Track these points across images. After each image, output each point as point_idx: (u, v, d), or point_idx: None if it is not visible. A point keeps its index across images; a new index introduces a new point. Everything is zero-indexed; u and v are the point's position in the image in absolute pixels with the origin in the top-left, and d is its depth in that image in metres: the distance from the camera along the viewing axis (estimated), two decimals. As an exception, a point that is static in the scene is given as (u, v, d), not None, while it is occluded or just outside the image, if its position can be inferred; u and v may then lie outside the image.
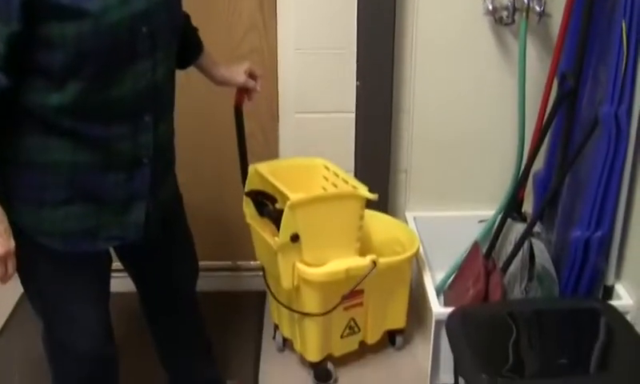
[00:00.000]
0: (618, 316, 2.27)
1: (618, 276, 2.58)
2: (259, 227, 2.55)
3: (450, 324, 2.24)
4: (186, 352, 2.39)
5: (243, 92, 2.35)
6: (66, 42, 1.62)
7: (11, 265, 1.73)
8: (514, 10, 2.70)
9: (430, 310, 2.53)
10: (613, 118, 2.35)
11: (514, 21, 2.73)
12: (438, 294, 2.66)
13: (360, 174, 2.84)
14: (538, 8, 2.68)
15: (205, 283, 2.41)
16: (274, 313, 2.80)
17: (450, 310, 2.32)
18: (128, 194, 1.86)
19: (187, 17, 2.13)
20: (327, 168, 2.69)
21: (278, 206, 2.47)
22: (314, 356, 2.63)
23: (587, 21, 2.48)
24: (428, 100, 2.91)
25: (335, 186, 2.63)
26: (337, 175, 2.64)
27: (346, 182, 2.59)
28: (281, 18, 2.76)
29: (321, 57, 2.79)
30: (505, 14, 2.72)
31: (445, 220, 3.02)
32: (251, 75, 2.30)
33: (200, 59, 2.21)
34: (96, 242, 1.88)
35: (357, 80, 2.80)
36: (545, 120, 2.65)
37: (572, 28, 2.61)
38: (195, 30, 2.18)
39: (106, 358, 2.08)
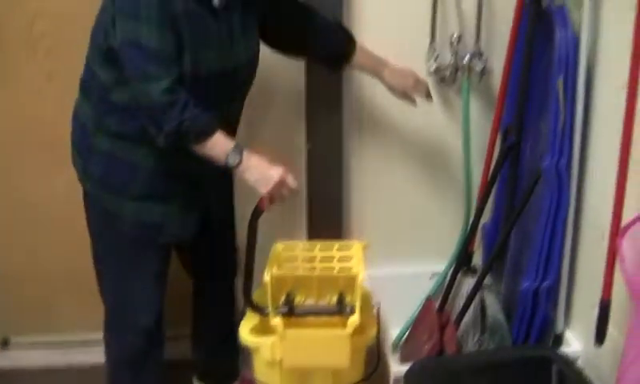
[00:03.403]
0: (568, 363, 2.32)
1: (567, 323, 2.62)
2: (302, 327, 2.36)
3: (408, 380, 2.26)
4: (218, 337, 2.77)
5: (268, 197, 2.22)
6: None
7: (290, 179, 2.18)
8: (456, 69, 2.78)
9: (388, 367, 2.55)
10: (554, 170, 2.42)
11: (455, 79, 2.81)
12: (394, 350, 2.69)
13: (312, 234, 2.90)
14: (478, 66, 2.78)
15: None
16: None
17: (407, 366, 2.35)
18: (190, 201, 2.34)
19: (323, 18, 2.53)
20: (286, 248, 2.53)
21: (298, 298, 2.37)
22: None
23: (526, 77, 2.56)
24: (377, 160, 2.96)
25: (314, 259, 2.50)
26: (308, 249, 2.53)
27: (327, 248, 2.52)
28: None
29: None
30: (447, 73, 2.80)
31: (397, 276, 3.02)
32: (418, 86, 2.62)
33: (355, 61, 2.56)
34: (159, 236, 2.32)
35: (307, 142, 2.86)
36: (490, 173, 2.72)
37: (512, 84, 2.69)
38: (338, 32, 2.55)
39: (159, 333, 2.45)
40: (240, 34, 2.27)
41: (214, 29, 2.19)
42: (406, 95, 2.63)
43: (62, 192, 2.88)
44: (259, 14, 2.36)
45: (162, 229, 2.32)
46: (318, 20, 2.54)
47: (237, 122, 2.45)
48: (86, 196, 2.37)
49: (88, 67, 2.27)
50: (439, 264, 3.00)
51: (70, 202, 2.85)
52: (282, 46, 2.56)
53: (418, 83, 2.62)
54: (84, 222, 2.64)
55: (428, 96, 2.66)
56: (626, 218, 2.06)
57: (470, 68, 2.78)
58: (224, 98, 2.28)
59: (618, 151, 2.08)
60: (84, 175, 2.34)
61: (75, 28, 2.69)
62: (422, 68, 2.78)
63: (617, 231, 2.04)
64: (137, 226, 2.30)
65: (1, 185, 2.98)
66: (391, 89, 2.62)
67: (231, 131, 2.32)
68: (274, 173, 2.16)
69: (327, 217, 2.93)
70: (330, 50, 2.56)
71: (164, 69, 2.06)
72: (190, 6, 2.11)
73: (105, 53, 2.15)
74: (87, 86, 2.28)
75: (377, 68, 2.60)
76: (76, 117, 2.34)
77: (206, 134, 2.11)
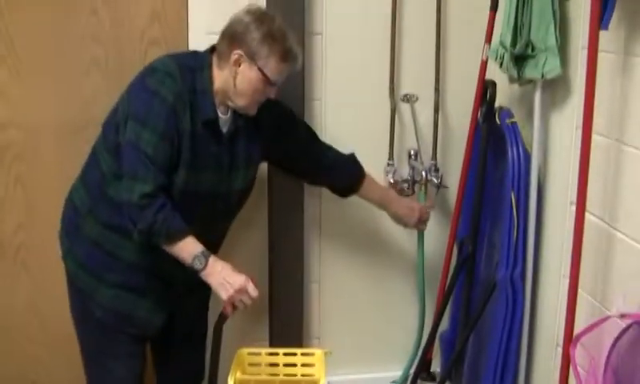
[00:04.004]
0: None
1: (524, 428, 2.68)
2: None
3: None
4: None
5: (230, 303, 2.29)
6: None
7: (251, 288, 2.24)
8: (414, 182, 2.88)
9: None
10: (508, 281, 2.52)
11: (413, 192, 2.89)
12: None
13: (274, 341, 2.94)
14: (435, 180, 2.89)
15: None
16: None
17: None
18: (162, 299, 2.42)
19: (334, 152, 2.65)
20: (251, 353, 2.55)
21: None
22: None
23: (480, 192, 2.66)
24: (338, 268, 3.03)
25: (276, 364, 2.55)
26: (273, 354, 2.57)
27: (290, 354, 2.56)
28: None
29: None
30: (405, 186, 2.89)
31: (358, 382, 3.08)
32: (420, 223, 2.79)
33: (362, 192, 2.69)
34: (128, 325, 2.39)
35: (269, 252, 2.93)
36: (447, 283, 2.80)
37: (467, 198, 2.80)
38: (347, 165, 2.67)
39: None
40: (240, 164, 2.39)
41: (215, 154, 2.31)
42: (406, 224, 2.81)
43: (23, 302, 2.90)
44: (265, 146, 2.47)
45: (131, 319, 2.39)
46: (326, 153, 2.66)
47: (221, 238, 2.54)
48: (67, 273, 2.45)
49: (94, 156, 2.39)
50: (399, 370, 3.04)
51: (30, 312, 2.90)
52: (290, 172, 2.72)
53: (420, 222, 2.79)
54: (43, 333, 2.79)
55: (424, 225, 2.83)
56: (578, 326, 2.14)
57: (426, 182, 2.87)
58: (211, 216, 2.38)
59: (569, 262, 2.17)
60: (67, 254, 2.44)
61: (41, 137, 2.79)
62: (380, 182, 2.86)
63: (569, 339, 2.11)
64: (109, 311, 2.38)
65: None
66: (394, 220, 2.78)
67: (214, 244, 2.39)
68: (237, 280, 2.24)
69: (289, 325, 2.97)
70: (337, 181, 2.70)
71: (152, 175, 2.19)
72: (197, 127, 2.25)
73: (113, 146, 2.29)
74: (88, 172, 2.41)
75: (384, 201, 2.76)
76: (70, 198, 2.45)
77: (176, 237, 2.21)
